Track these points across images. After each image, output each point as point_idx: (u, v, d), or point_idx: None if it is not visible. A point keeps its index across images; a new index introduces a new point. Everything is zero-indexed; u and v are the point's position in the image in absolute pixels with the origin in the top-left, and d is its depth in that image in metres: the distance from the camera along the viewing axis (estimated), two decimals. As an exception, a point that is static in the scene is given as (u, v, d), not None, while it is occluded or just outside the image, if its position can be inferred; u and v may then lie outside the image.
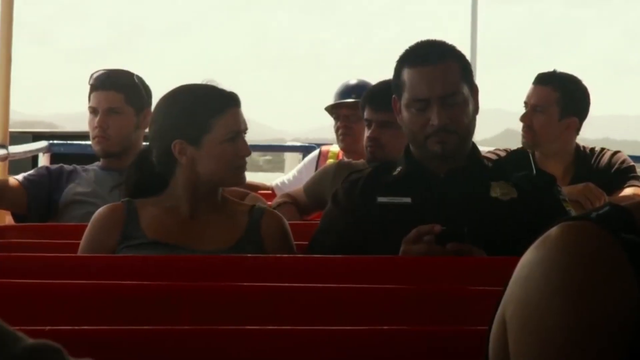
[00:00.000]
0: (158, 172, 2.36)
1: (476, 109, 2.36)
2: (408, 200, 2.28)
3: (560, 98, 3.31)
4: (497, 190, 2.29)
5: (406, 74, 2.32)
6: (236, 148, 2.30)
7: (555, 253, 1.00)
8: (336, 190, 2.43)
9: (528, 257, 1.03)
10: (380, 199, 2.30)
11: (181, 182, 2.33)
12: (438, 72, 2.29)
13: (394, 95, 2.39)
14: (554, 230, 1.02)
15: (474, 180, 2.31)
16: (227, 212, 2.37)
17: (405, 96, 2.32)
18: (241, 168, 2.33)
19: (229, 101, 2.32)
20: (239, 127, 2.31)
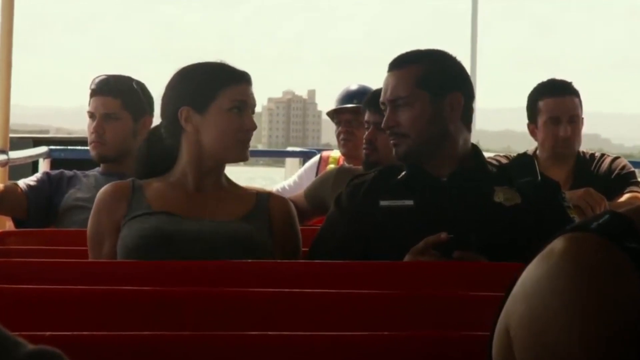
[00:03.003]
0: (167, 147, 2.36)
1: (449, 115, 2.34)
2: (410, 203, 2.28)
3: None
4: (500, 196, 2.29)
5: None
6: (241, 120, 2.30)
7: (561, 267, 0.99)
8: (339, 194, 2.44)
9: (532, 270, 1.03)
10: (383, 203, 2.30)
11: (186, 153, 2.33)
12: (393, 78, 2.38)
13: None
14: (557, 244, 1.02)
15: (477, 184, 2.31)
16: (232, 191, 2.38)
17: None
18: (245, 142, 2.33)
19: (241, 77, 2.35)
20: (246, 99, 2.32)
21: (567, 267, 0.99)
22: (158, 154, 2.39)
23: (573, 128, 3.44)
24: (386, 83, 2.39)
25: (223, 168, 2.37)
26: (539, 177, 2.36)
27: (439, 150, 2.34)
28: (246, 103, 2.31)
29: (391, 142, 2.36)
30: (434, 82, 2.34)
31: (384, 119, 2.37)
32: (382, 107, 2.42)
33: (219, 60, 2.38)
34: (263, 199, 2.37)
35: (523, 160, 2.45)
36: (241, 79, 2.34)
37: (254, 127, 2.32)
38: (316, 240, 2.39)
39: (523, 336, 1.01)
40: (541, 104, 3.45)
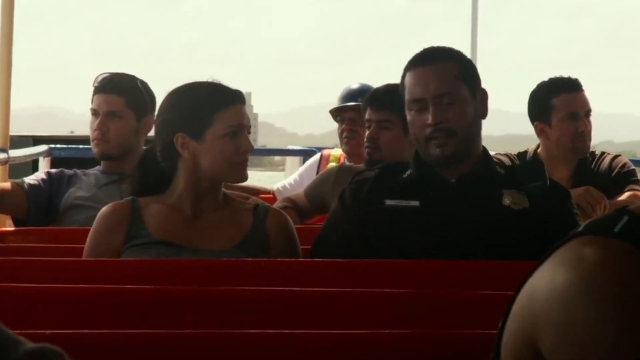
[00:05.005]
0: (163, 168, 2.37)
1: (481, 113, 2.33)
2: (416, 204, 2.25)
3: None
4: (508, 199, 2.26)
5: (407, 77, 2.33)
6: (237, 143, 2.30)
7: (596, 276, 0.98)
8: (343, 191, 2.42)
9: (562, 277, 1.01)
10: (388, 202, 2.27)
11: (183, 177, 2.33)
12: (434, 72, 2.29)
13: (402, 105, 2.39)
14: (588, 252, 1.01)
15: (485, 187, 2.28)
16: (230, 210, 2.37)
17: (406, 99, 2.33)
18: (242, 164, 2.33)
19: (233, 97, 2.33)
20: (241, 122, 2.31)
21: (601, 278, 0.98)
22: (154, 174, 2.39)
23: (588, 123, 3.45)
24: (424, 79, 2.29)
25: (221, 187, 2.37)
26: (548, 182, 2.34)
27: (469, 151, 2.31)
28: (241, 125, 2.31)
29: (434, 141, 2.26)
30: (469, 77, 2.31)
31: (431, 115, 2.25)
32: (412, 105, 2.30)
33: (212, 80, 2.37)
34: (260, 215, 2.37)
35: (532, 164, 2.42)
36: (234, 101, 2.32)
37: (251, 148, 2.32)
38: (319, 237, 2.38)
39: (564, 347, 0.99)
40: (556, 101, 3.44)
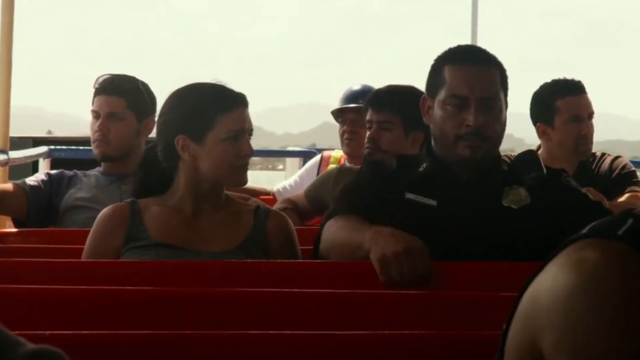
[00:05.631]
0: (164, 168, 2.36)
1: (505, 123, 2.32)
2: (434, 203, 2.23)
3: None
4: (510, 198, 2.26)
5: (447, 71, 2.29)
6: (237, 147, 2.29)
7: (601, 284, 0.98)
8: (360, 169, 2.41)
9: (563, 280, 1.01)
10: (408, 195, 2.25)
11: (184, 179, 2.33)
12: (481, 74, 2.28)
13: (424, 96, 2.36)
14: (589, 255, 1.00)
15: (490, 187, 2.27)
16: (231, 212, 2.37)
17: (442, 93, 2.28)
18: (242, 168, 2.32)
19: (236, 101, 2.32)
20: (242, 127, 2.30)
21: (603, 281, 0.97)
22: (155, 174, 2.39)
23: (591, 125, 3.45)
24: (472, 77, 2.27)
25: (222, 189, 2.37)
26: (545, 171, 2.35)
27: (491, 155, 2.31)
28: (243, 130, 2.30)
29: (467, 142, 2.24)
30: (505, 86, 2.32)
31: (473, 116, 2.22)
32: (452, 101, 2.26)
33: (215, 81, 2.36)
34: (261, 217, 2.36)
35: (527, 157, 2.43)
36: (237, 104, 2.31)
37: (251, 152, 2.32)
38: (339, 197, 2.34)
39: (566, 351, 0.99)
40: (560, 103, 3.44)
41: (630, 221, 1.03)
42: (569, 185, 2.35)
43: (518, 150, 3.45)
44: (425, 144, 2.43)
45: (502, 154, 2.44)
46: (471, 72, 2.27)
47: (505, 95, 2.32)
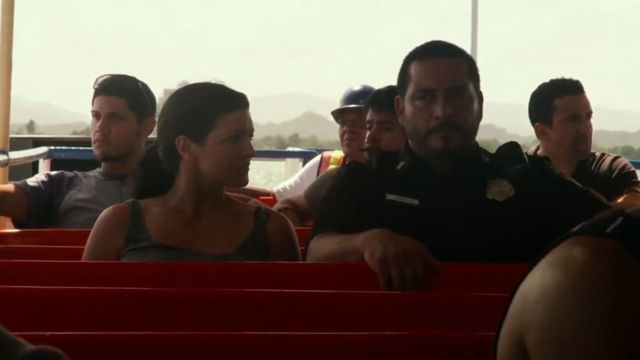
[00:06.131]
0: (165, 169, 2.36)
1: (480, 114, 2.33)
2: (416, 202, 2.23)
3: None
4: (493, 190, 2.26)
5: (414, 67, 2.30)
6: (238, 148, 2.29)
7: (583, 277, 0.97)
8: (339, 172, 2.40)
9: (550, 275, 1.00)
10: (389, 197, 2.26)
11: (184, 179, 2.33)
12: (447, 65, 2.28)
13: (397, 96, 2.36)
14: (575, 250, 1.00)
15: (471, 180, 2.27)
16: (232, 213, 2.37)
17: (410, 89, 2.30)
18: (242, 168, 2.32)
19: (237, 101, 2.32)
20: (243, 127, 2.30)
21: (589, 279, 0.97)
22: (156, 174, 2.39)
23: (590, 125, 3.45)
24: (438, 70, 2.28)
25: (223, 189, 2.37)
26: (527, 162, 2.33)
27: (466, 147, 2.30)
28: (243, 130, 2.30)
29: (439, 134, 2.25)
30: (475, 76, 2.31)
31: (442, 107, 2.23)
32: (419, 95, 2.27)
33: (216, 81, 2.36)
34: (261, 218, 2.36)
35: (509, 149, 2.41)
36: (238, 104, 2.31)
37: (252, 153, 2.31)
38: (319, 216, 2.34)
39: (550, 350, 0.99)
40: (558, 102, 3.44)
41: (619, 219, 1.02)
42: (552, 173, 2.34)
43: (501, 141, 3.44)
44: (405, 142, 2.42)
45: (484, 147, 2.44)
46: (436, 64, 2.27)
47: (476, 85, 2.31)
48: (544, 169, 2.34)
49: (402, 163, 2.32)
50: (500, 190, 2.26)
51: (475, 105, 2.30)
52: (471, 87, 2.29)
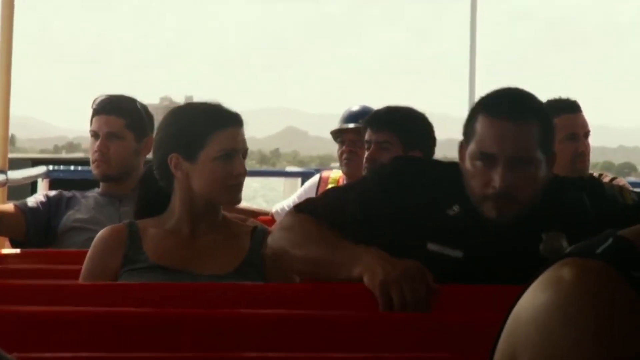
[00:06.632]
0: (162, 188, 2.36)
1: (547, 175, 2.11)
2: (459, 254, 2.06)
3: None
4: (548, 247, 2.07)
5: (480, 122, 2.09)
6: (230, 167, 2.28)
7: (571, 298, 0.97)
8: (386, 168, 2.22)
9: (540, 296, 1.01)
10: (431, 246, 2.08)
11: (178, 198, 2.33)
12: (514, 131, 2.05)
13: (461, 141, 2.17)
14: (565, 271, 1.00)
15: (525, 233, 2.08)
16: (228, 233, 2.36)
17: (472, 145, 2.10)
18: (235, 187, 2.31)
19: (229, 120, 2.32)
20: (235, 146, 2.30)
21: (578, 299, 0.97)
22: (154, 193, 2.39)
23: (587, 144, 3.45)
24: (503, 135, 2.05)
25: (218, 209, 2.36)
26: (590, 207, 2.12)
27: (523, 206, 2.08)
28: (235, 149, 2.30)
29: (493, 203, 2.05)
30: (547, 138, 2.09)
31: (500, 178, 2.03)
32: (480, 156, 2.06)
33: (212, 101, 2.36)
34: (258, 238, 2.36)
35: (574, 198, 2.16)
36: (230, 123, 2.31)
37: (244, 172, 2.31)
38: (336, 206, 2.14)
39: None
40: (557, 121, 3.43)
41: (610, 240, 1.03)
42: (623, 216, 2.09)
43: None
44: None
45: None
46: (502, 127, 2.05)
47: (546, 149, 2.09)
48: (614, 213, 2.11)
49: (455, 207, 2.12)
50: (555, 247, 2.07)
51: (542, 171, 2.08)
52: (539, 153, 2.06)
